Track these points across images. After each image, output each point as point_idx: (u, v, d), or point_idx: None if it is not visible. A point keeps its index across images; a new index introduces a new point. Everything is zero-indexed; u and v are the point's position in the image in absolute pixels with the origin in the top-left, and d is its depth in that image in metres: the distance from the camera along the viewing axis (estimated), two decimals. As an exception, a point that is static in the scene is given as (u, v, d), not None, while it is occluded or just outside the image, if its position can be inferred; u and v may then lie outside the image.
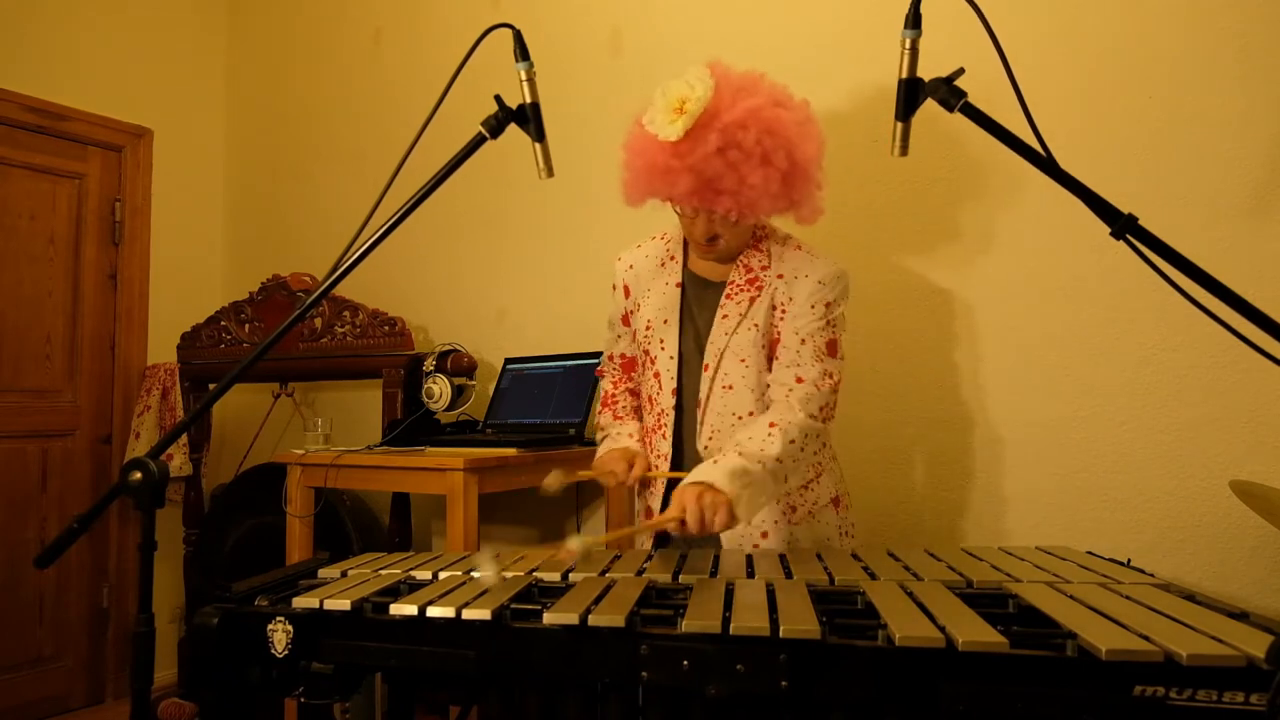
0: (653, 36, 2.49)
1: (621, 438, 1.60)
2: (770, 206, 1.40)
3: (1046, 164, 1.09)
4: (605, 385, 1.76)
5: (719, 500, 1.24)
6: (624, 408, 1.70)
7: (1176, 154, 1.79)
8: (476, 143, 1.29)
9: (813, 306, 1.47)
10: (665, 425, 1.54)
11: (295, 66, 3.39)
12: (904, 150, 1.20)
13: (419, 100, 2.95)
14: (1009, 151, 1.11)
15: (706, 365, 1.50)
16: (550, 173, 1.35)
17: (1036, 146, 1.09)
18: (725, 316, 1.51)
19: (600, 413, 1.72)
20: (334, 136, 3.24)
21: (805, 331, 1.46)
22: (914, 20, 1.16)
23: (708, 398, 1.50)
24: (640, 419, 1.67)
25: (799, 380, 1.44)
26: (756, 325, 1.48)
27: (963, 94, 1.11)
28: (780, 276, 1.49)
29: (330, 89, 3.26)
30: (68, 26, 3.10)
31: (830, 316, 1.47)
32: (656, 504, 1.58)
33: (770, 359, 1.50)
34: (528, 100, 1.30)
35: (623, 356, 1.74)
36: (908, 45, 1.16)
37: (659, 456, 1.55)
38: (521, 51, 1.29)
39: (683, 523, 1.23)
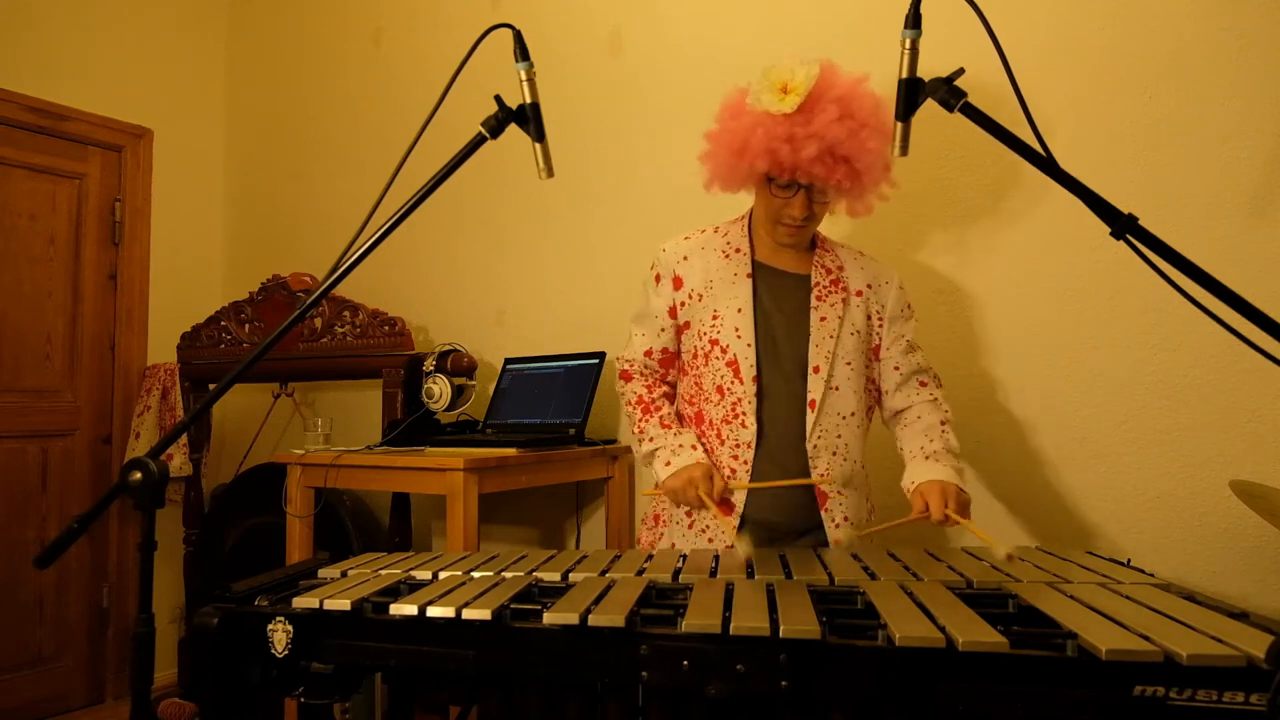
0: (653, 36, 2.49)
1: (685, 450, 1.56)
2: (878, 177, 1.49)
3: (1046, 164, 1.09)
4: (637, 389, 1.68)
5: (965, 498, 1.47)
6: (669, 415, 1.64)
7: (1176, 154, 1.79)
8: (476, 143, 1.29)
9: (902, 311, 1.64)
10: (745, 413, 1.54)
11: (295, 66, 3.39)
12: (904, 150, 1.20)
13: (419, 100, 2.95)
14: (1009, 151, 1.11)
15: (817, 368, 1.55)
16: (550, 173, 1.35)
17: (1036, 146, 1.09)
18: (824, 319, 1.57)
19: (642, 419, 1.64)
20: (334, 136, 3.24)
21: (908, 334, 1.64)
22: (914, 20, 1.16)
23: (822, 399, 1.54)
24: (683, 425, 1.65)
25: (923, 384, 1.64)
26: (858, 331, 1.59)
27: (963, 94, 1.12)
28: (869, 285, 1.62)
29: (330, 89, 3.26)
30: (68, 26, 3.10)
31: (913, 315, 1.67)
32: (740, 498, 1.54)
33: (866, 363, 1.62)
34: (527, 100, 1.30)
35: (664, 351, 1.68)
36: (908, 45, 1.16)
37: (740, 445, 1.54)
38: (521, 51, 1.29)
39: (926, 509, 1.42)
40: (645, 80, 2.50)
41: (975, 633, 0.89)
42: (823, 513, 1.55)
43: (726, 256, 1.62)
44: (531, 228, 2.71)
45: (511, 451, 2.10)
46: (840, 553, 1.39)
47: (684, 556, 1.37)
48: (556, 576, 1.24)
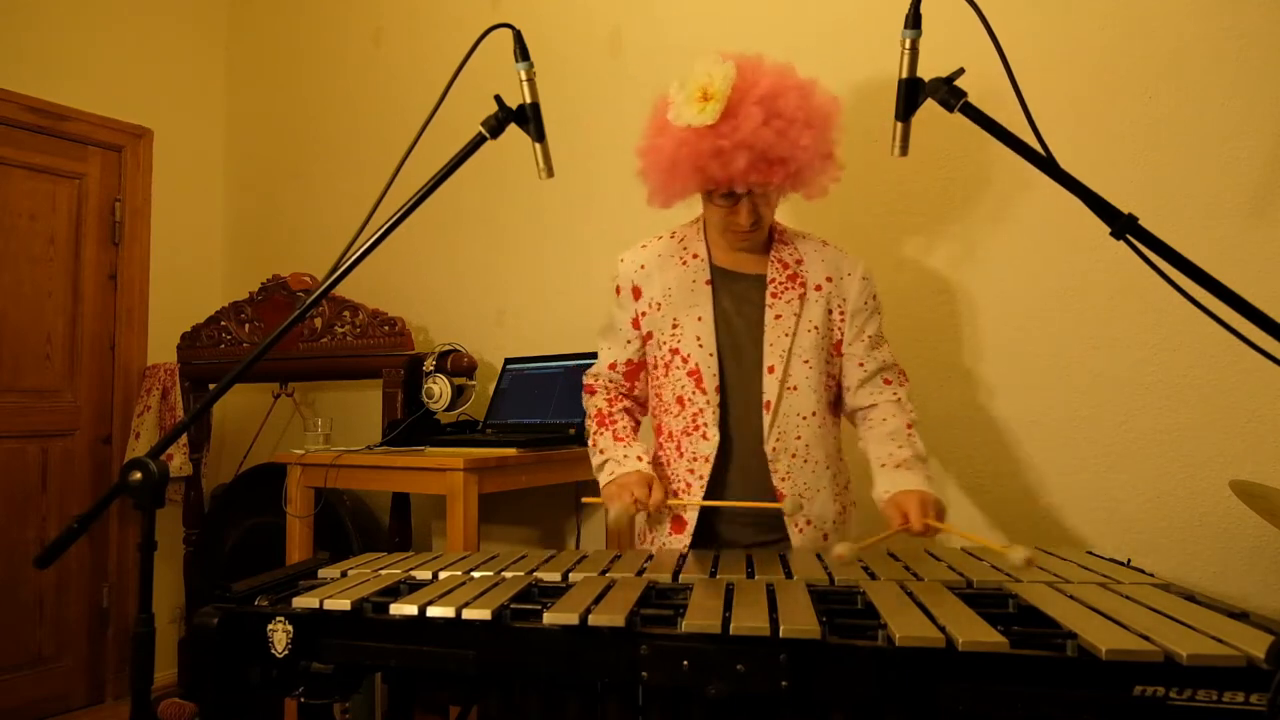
0: (653, 36, 2.49)
1: (630, 460, 1.52)
2: (820, 169, 1.42)
3: (1046, 164, 1.09)
4: (598, 403, 1.65)
5: (941, 505, 1.41)
6: (624, 428, 1.61)
7: (1176, 154, 1.79)
8: (476, 143, 1.29)
9: (866, 303, 1.57)
10: (706, 424, 1.50)
11: (295, 66, 3.39)
12: (904, 150, 1.21)
13: (419, 100, 2.95)
14: (1009, 151, 1.11)
15: (772, 368, 1.50)
16: (550, 173, 1.36)
17: (1036, 146, 1.09)
18: (779, 317, 1.52)
19: (597, 432, 1.61)
20: (334, 137, 3.24)
21: (870, 330, 1.57)
22: (914, 20, 1.16)
23: (777, 400, 1.50)
24: (638, 438, 1.62)
25: (887, 382, 1.57)
26: (816, 328, 1.53)
27: (963, 94, 1.12)
28: (829, 279, 1.55)
29: (330, 89, 3.26)
30: (68, 27, 3.10)
31: (879, 308, 1.59)
32: (693, 514, 1.52)
33: (828, 359, 1.55)
34: (527, 100, 1.30)
35: (628, 363, 1.65)
36: (908, 45, 1.16)
37: (697, 458, 1.52)
38: (521, 51, 1.29)
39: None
40: (645, 80, 2.49)
41: (975, 633, 0.89)
42: (787, 519, 1.52)
43: (684, 263, 1.57)
44: (531, 228, 2.71)
45: (511, 451, 2.11)
46: (842, 564, 1.38)
47: (683, 557, 1.37)
48: (556, 576, 1.24)
